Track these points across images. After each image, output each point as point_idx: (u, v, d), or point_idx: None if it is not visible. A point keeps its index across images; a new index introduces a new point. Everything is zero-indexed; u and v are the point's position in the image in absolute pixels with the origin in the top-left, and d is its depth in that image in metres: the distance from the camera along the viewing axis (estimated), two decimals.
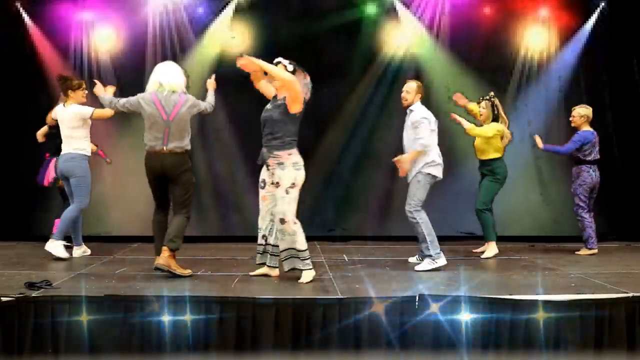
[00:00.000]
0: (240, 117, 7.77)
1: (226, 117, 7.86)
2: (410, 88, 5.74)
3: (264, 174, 5.17)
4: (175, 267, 5.13)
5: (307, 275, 5.01)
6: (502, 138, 6.56)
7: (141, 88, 5.33)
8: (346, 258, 6.43)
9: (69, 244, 6.39)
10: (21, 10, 8.02)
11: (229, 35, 8.17)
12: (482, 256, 6.51)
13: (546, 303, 4.22)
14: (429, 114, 5.73)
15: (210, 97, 5.60)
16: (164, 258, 5.07)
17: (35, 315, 4.03)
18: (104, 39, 8.12)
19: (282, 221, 4.96)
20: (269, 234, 5.16)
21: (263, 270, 5.21)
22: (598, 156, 6.77)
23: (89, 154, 6.25)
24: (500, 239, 6.71)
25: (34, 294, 4.29)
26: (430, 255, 5.58)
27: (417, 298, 4.14)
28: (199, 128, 7.28)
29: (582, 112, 6.79)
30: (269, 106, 5.14)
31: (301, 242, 5.01)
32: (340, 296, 4.40)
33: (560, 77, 8.45)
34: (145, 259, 5.90)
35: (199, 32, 8.19)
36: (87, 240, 6.64)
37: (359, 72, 8.33)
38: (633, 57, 8.21)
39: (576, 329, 4.17)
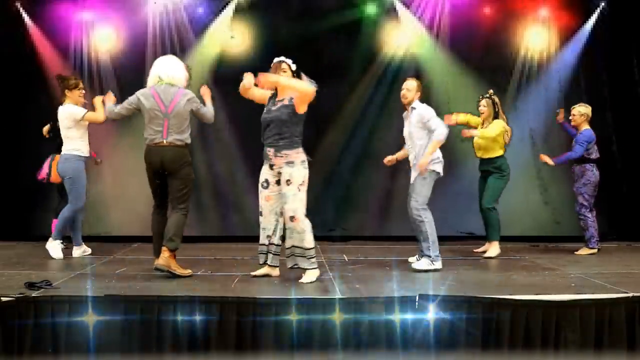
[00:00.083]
0: (240, 117, 7.77)
1: (226, 117, 7.86)
2: (410, 86, 5.73)
3: (266, 174, 5.15)
4: (175, 267, 5.12)
5: (311, 275, 5.01)
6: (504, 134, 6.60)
7: (141, 88, 5.31)
8: (346, 258, 6.43)
9: (68, 243, 6.40)
10: (21, 10, 8.02)
11: (229, 35, 8.18)
12: (485, 255, 6.50)
13: (546, 303, 4.22)
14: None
15: (209, 106, 5.40)
16: (163, 258, 5.06)
17: (35, 315, 4.02)
18: (104, 39, 8.12)
19: (292, 218, 4.95)
20: (273, 233, 5.16)
21: (265, 270, 5.20)
22: (598, 154, 6.79)
23: (85, 154, 6.22)
24: (500, 239, 6.70)
25: (34, 294, 4.29)
26: (429, 256, 5.58)
27: (417, 298, 4.14)
28: (199, 128, 7.27)
29: (582, 110, 6.80)
30: (272, 107, 5.11)
31: (309, 240, 5.00)
32: (340, 296, 4.40)
33: (560, 77, 8.45)
34: (145, 259, 5.90)
35: (199, 32, 8.20)
36: (87, 240, 6.65)
37: (359, 72, 8.33)
38: (633, 57, 8.21)
39: (576, 329, 4.17)
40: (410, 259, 6.16)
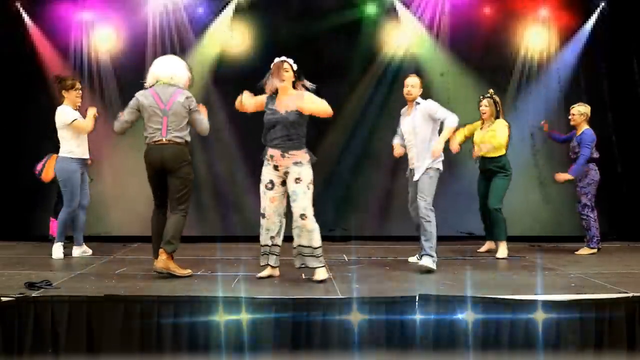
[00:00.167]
0: (240, 117, 7.64)
1: (226, 117, 7.85)
2: (415, 83, 5.74)
3: (270, 175, 5.11)
4: (174, 268, 5.12)
5: (321, 273, 5.01)
6: None
7: (141, 88, 5.31)
8: (346, 258, 6.43)
9: (69, 242, 6.40)
10: (21, 10, 8.02)
11: (229, 35, 8.17)
12: (497, 256, 6.47)
13: (546, 303, 4.22)
14: None
15: (205, 119, 5.31)
16: (162, 261, 5.05)
17: (35, 315, 4.02)
18: (104, 39, 8.12)
19: (303, 216, 4.94)
20: (277, 235, 5.15)
21: (268, 271, 5.19)
22: (598, 154, 6.81)
23: (78, 156, 6.19)
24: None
25: (34, 294, 4.29)
26: (432, 256, 5.58)
27: (417, 298, 4.14)
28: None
29: (582, 110, 6.81)
30: (276, 108, 5.07)
31: (318, 239, 5.01)
32: (340, 296, 4.40)
33: (560, 77, 8.45)
34: (146, 259, 5.89)
35: (199, 32, 8.19)
36: (87, 240, 6.64)
37: (359, 72, 8.33)
38: (633, 57, 8.21)
39: (576, 329, 4.16)
40: (410, 259, 6.17)
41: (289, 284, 4.94)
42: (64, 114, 6.13)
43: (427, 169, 5.62)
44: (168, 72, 5.21)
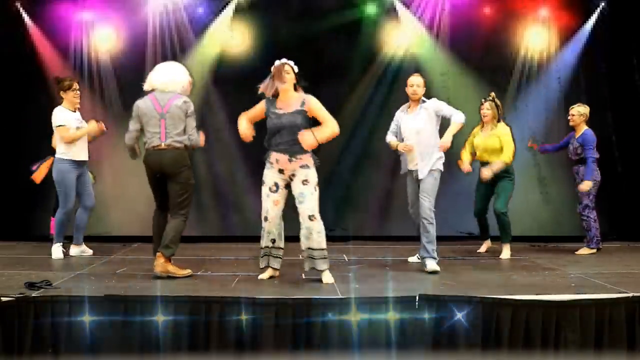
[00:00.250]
0: None
1: (226, 117, 7.86)
2: (420, 82, 5.75)
3: (275, 178, 5.07)
4: (173, 270, 5.12)
5: (329, 276, 5.02)
6: None
7: (141, 88, 5.31)
8: (346, 258, 6.43)
9: (68, 242, 6.40)
10: (21, 10, 8.03)
11: (229, 35, 8.17)
12: (501, 257, 6.47)
13: (546, 303, 4.22)
14: None
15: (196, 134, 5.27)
16: (160, 265, 5.05)
17: (35, 315, 4.02)
18: (104, 39, 8.12)
19: (312, 217, 4.94)
20: (279, 237, 5.15)
21: (270, 272, 5.18)
22: (598, 154, 6.80)
23: (71, 157, 6.17)
24: (499, 239, 6.69)
25: (34, 294, 4.29)
26: (435, 258, 5.58)
27: (417, 298, 4.14)
28: (199, 128, 7.26)
29: (581, 110, 6.81)
30: (281, 112, 5.00)
31: (324, 241, 5.02)
32: (340, 296, 4.40)
33: (560, 77, 8.45)
34: (145, 259, 5.89)
35: (199, 32, 8.20)
36: (87, 240, 6.63)
37: (359, 72, 8.33)
38: (633, 57, 8.21)
39: (576, 329, 4.17)
40: (410, 259, 6.17)
41: (289, 284, 4.94)
42: (55, 116, 6.16)
43: (431, 169, 5.63)
44: (163, 80, 5.19)
